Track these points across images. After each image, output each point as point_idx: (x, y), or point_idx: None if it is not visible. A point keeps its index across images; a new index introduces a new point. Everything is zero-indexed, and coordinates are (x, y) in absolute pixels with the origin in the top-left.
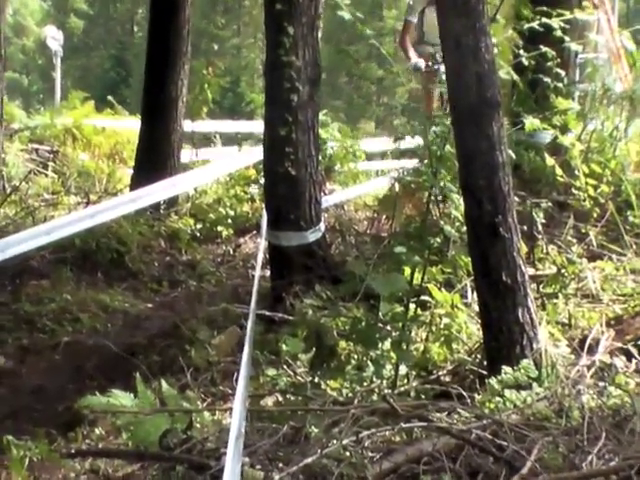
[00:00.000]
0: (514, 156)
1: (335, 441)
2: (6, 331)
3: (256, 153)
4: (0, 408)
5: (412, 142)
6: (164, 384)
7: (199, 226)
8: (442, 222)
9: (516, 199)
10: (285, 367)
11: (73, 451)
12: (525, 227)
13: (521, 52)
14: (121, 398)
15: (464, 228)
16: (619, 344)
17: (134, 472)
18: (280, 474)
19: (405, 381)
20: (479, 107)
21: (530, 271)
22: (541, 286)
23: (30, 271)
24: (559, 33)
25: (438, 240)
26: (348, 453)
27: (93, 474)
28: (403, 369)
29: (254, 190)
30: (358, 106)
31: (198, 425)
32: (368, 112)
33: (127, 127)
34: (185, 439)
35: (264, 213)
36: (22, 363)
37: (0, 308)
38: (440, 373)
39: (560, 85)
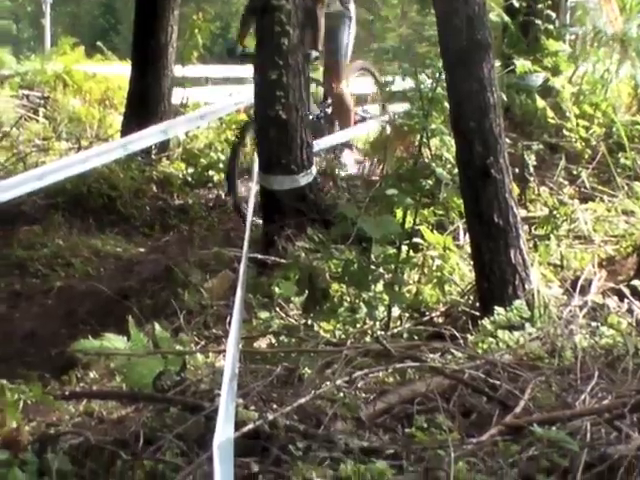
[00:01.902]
0: (505, 98)
1: (328, 382)
2: None
3: (247, 97)
4: None
5: (403, 85)
6: (157, 327)
7: (190, 171)
8: (434, 164)
9: (507, 141)
10: (278, 310)
11: (67, 393)
12: (516, 169)
13: None
14: (114, 341)
15: (456, 170)
16: (611, 284)
17: (128, 414)
18: (274, 414)
19: (398, 323)
20: (470, 49)
21: (522, 213)
22: (533, 228)
23: (22, 216)
24: None
25: (430, 182)
26: (341, 394)
27: (87, 416)
28: (396, 311)
29: None
30: None
31: (192, 367)
32: (358, 57)
33: (118, 73)
34: (179, 381)
35: (256, 157)
36: (14, 308)
37: None
38: (433, 315)
39: (551, 27)
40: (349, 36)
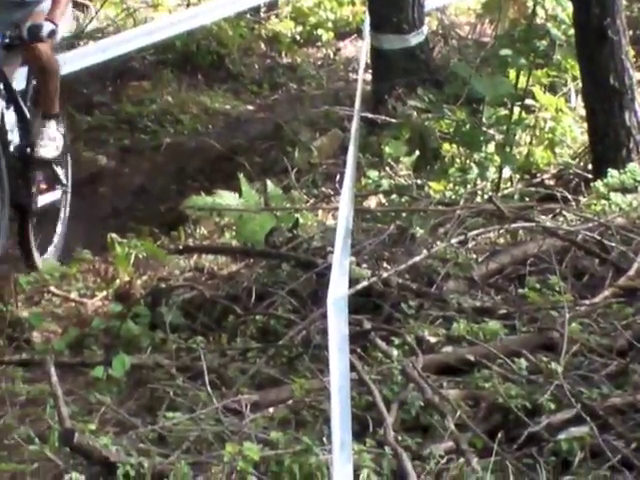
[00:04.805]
0: None
1: (441, 242)
2: (107, 131)
3: None
4: (102, 207)
5: None
6: (269, 184)
7: (299, 29)
8: (549, 25)
9: (623, 3)
10: (387, 169)
11: (181, 247)
12: (631, 32)
13: None
14: (226, 197)
15: (571, 31)
16: None
17: (239, 270)
18: (387, 273)
19: (509, 184)
20: None
21: (637, 75)
22: None
23: (131, 72)
24: None
25: (544, 43)
26: (454, 253)
27: (198, 271)
28: (507, 172)
29: None
30: None
31: (302, 225)
32: None
33: None
34: (291, 238)
35: (366, 16)
36: (124, 163)
37: (101, 108)
38: (544, 177)
39: None
40: None
